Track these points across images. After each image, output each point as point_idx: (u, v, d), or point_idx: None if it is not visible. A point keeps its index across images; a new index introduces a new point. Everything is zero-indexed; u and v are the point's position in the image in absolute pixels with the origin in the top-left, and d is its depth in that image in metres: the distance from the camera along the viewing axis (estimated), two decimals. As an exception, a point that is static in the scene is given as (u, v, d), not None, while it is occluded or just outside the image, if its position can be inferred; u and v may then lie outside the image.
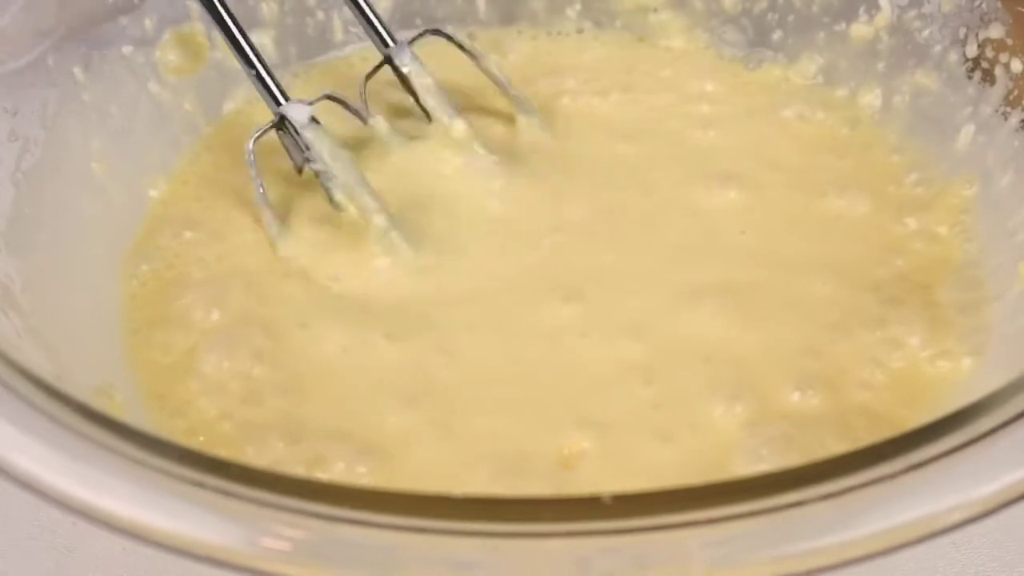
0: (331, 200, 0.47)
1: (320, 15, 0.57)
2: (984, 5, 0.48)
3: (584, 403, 0.40)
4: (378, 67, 0.52)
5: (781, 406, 0.40)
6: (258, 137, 0.47)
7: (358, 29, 0.57)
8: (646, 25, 0.59)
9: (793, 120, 0.53)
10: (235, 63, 0.54)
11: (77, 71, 0.48)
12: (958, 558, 0.44)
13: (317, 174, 0.48)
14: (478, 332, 0.43)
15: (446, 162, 0.50)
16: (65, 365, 0.37)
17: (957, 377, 0.41)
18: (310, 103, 0.48)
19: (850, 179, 0.50)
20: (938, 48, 0.50)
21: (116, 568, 0.44)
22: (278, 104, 0.48)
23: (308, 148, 0.47)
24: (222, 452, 0.38)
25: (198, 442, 0.39)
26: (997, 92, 0.47)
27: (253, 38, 0.54)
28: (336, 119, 0.50)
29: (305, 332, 0.43)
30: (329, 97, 0.49)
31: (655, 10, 0.59)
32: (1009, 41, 0.47)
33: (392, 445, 0.39)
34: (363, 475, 0.38)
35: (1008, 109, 0.47)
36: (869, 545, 0.26)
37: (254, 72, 0.48)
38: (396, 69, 0.52)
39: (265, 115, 0.48)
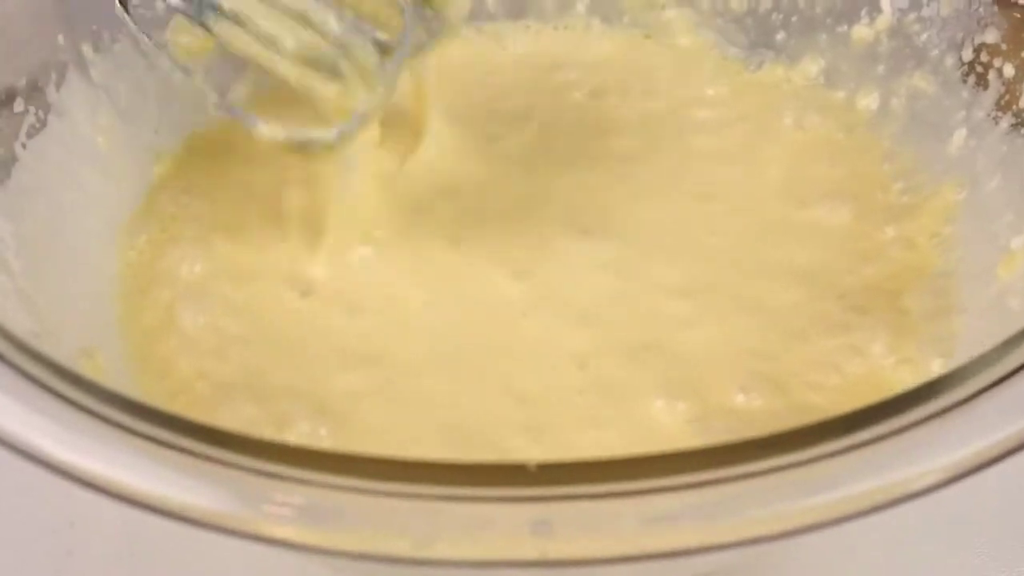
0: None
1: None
2: (981, 10, 0.48)
3: (521, 381, 0.40)
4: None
5: (724, 404, 0.40)
6: None
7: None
8: (653, 22, 0.60)
9: (789, 128, 0.53)
10: (245, 46, 0.55)
11: (86, 49, 0.49)
12: (955, 559, 0.45)
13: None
14: (431, 306, 0.43)
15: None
16: (49, 326, 0.37)
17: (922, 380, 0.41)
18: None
19: (838, 188, 0.50)
20: (935, 52, 0.51)
21: (115, 570, 0.45)
22: None
23: None
24: (200, 413, 0.39)
25: (179, 404, 0.40)
26: (990, 96, 0.48)
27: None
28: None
29: (268, 284, 0.44)
30: None
31: (663, 7, 0.59)
32: (1003, 46, 0.48)
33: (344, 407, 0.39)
34: (324, 437, 0.39)
35: (999, 113, 0.47)
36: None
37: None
38: None
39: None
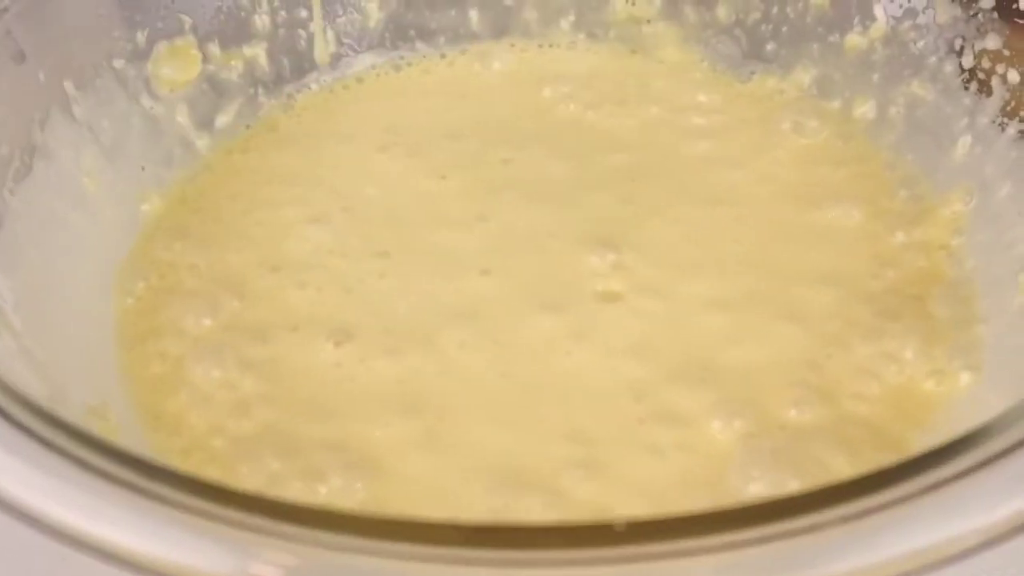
0: None
1: (313, 27, 0.57)
2: (980, 16, 0.48)
3: (575, 418, 0.40)
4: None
5: (778, 419, 0.40)
6: None
7: (351, 40, 0.58)
8: (639, 37, 0.59)
9: (788, 132, 0.53)
10: (228, 75, 0.54)
11: (68, 85, 0.47)
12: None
13: None
14: (470, 345, 0.43)
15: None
16: (58, 385, 0.36)
17: (954, 394, 0.41)
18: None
19: (846, 190, 0.50)
20: (933, 59, 0.50)
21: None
22: None
23: None
24: (216, 471, 0.38)
25: (194, 461, 0.39)
26: (994, 103, 0.47)
27: (245, 51, 0.54)
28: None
29: (295, 337, 0.43)
30: None
31: (648, 21, 0.59)
32: (1006, 52, 0.47)
33: (385, 457, 0.38)
34: (359, 490, 0.37)
35: (1005, 120, 0.47)
36: (884, 570, 0.26)
37: None
38: None
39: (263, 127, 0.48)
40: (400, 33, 0.58)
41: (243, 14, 0.54)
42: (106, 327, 0.44)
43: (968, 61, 0.49)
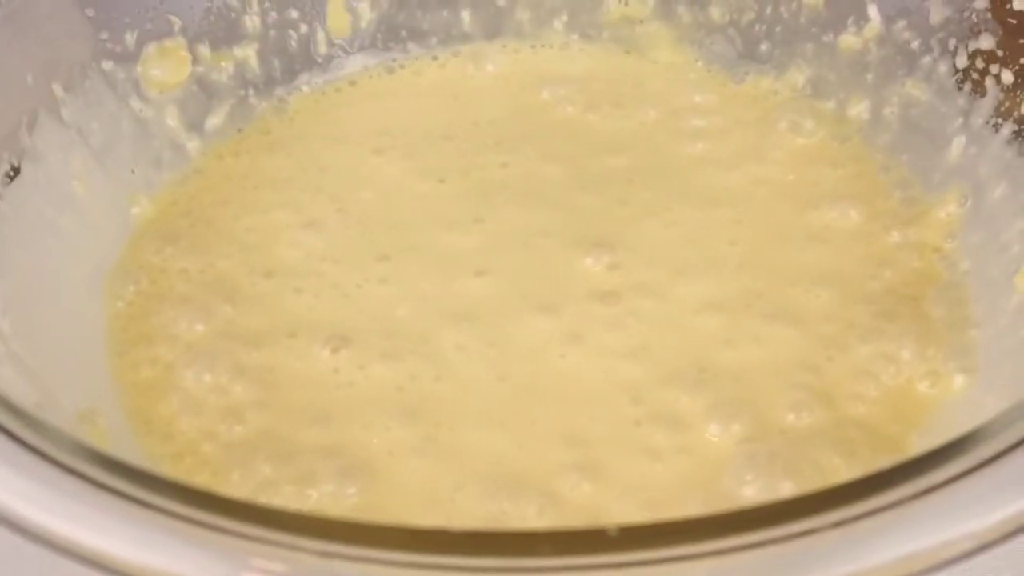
0: None
1: (304, 28, 0.56)
2: (974, 16, 0.48)
3: (571, 421, 0.39)
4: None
5: (776, 423, 0.40)
6: None
7: (343, 41, 0.57)
8: (633, 38, 0.59)
9: (784, 133, 0.53)
10: (218, 77, 0.53)
11: (56, 87, 0.47)
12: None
13: None
14: (467, 348, 0.42)
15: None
16: (48, 390, 0.36)
17: (949, 396, 0.41)
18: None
19: (843, 190, 0.50)
20: (927, 59, 0.50)
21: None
22: None
23: None
24: (207, 476, 0.38)
25: (185, 467, 0.38)
26: (988, 103, 0.47)
27: (235, 52, 0.54)
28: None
29: (291, 343, 0.43)
30: None
31: (641, 21, 0.58)
32: (1000, 52, 0.47)
33: (380, 463, 0.38)
34: (351, 496, 0.37)
35: (999, 120, 0.47)
36: (880, 574, 0.26)
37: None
38: None
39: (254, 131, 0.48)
40: (392, 34, 0.58)
41: (233, 15, 0.54)
42: (96, 332, 0.43)
43: (962, 61, 0.49)
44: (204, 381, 0.41)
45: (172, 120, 0.52)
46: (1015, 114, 0.46)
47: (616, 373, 0.41)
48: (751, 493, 0.37)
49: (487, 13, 0.59)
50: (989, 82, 0.47)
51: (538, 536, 0.26)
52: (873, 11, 0.53)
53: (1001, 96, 0.47)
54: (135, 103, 0.51)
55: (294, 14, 0.56)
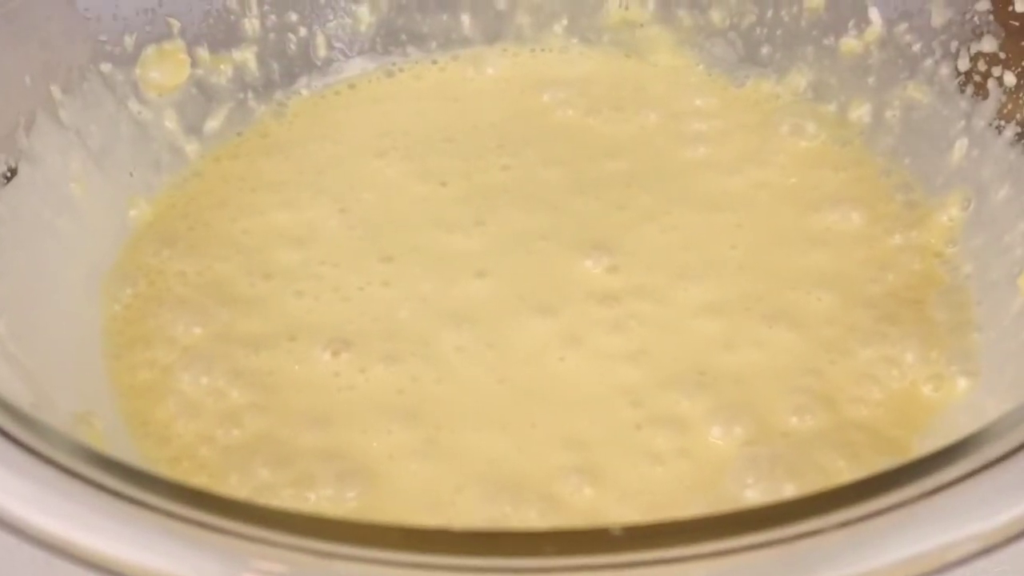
0: None
1: (303, 31, 0.56)
2: (976, 19, 0.48)
3: (571, 424, 0.39)
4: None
5: (779, 426, 0.39)
6: None
7: (342, 44, 0.57)
8: (633, 41, 0.58)
9: (785, 136, 0.53)
10: (217, 80, 0.53)
11: (54, 89, 0.46)
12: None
13: None
14: (467, 350, 0.42)
15: None
16: (44, 392, 0.35)
17: (952, 399, 0.41)
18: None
19: (844, 193, 0.49)
20: (929, 62, 0.50)
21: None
22: None
23: None
24: (204, 480, 0.37)
25: (182, 470, 0.38)
26: (990, 106, 0.47)
27: (235, 55, 0.53)
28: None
29: (291, 346, 0.43)
30: None
31: (641, 25, 0.58)
32: (1002, 55, 0.47)
33: (381, 466, 0.38)
34: (351, 499, 0.37)
35: (1002, 123, 0.46)
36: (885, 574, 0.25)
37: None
38: None
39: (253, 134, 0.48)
40: (391, 38, 0.58)
41: (232, 18, 0.54)
42: (93, 334, 0.43)
43: (964, 64, 0.48)
44: (201, 384, 0.41)
45: (171, 123, 0.52)
46: (1018, 116, 0.46)
47: (616, 376, 0.41)
48: (753, 496, 0.37)
49: (487, 17, 0.59)
50: (991, 84, 0.47)
51: (541, 536, 0.26)
52: (874, 14, 0.53)
53: (1004, 98, 0.47)
54: (134, 105, 0.50)
55: (293, 17, 0.56)
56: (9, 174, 0.43)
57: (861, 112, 0.53)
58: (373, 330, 0.43)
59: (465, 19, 0.59)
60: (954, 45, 0.49)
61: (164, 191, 0.50)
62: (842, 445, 0.39)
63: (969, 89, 0.48)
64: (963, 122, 0.48)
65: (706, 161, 0.52)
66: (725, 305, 0.44)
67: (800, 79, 0.55)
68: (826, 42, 0.54)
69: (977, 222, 0.46)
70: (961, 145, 0.48)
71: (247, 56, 0.54)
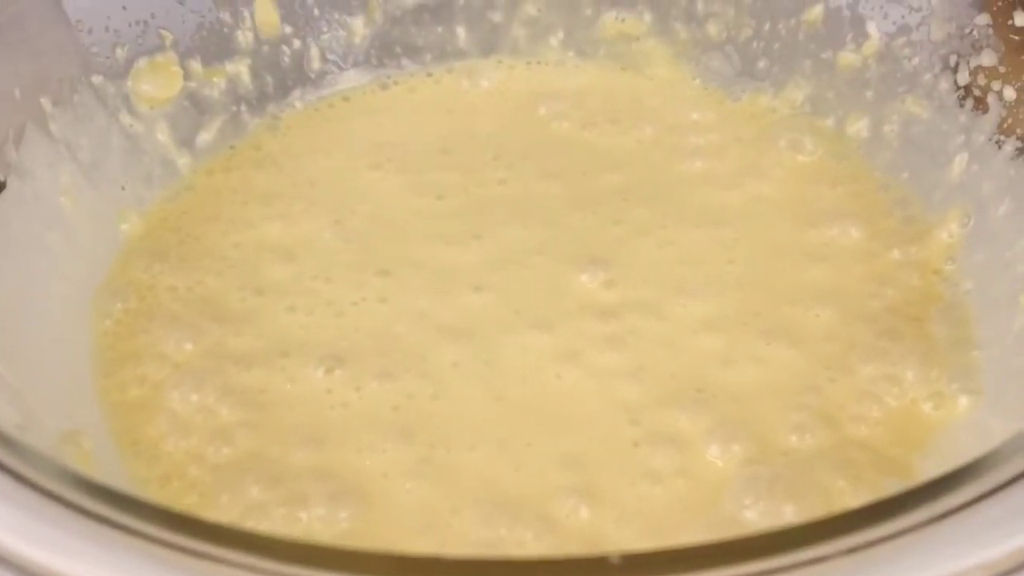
0: None
1: (297, 43, 0.56)
2: (975, 32, 0.48)
3: (568, 443, 0.39)
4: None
5: (778, 444, 0.39)
6: None
7: (336, 57, 0.57)
8: (629, 54, 0.58)
9: (782, 151, 0.53)
10: (210, 92, 0.53)
11: (45, 101, 0.46)
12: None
13: None
14: (463, 366, 0.42)
15: None
16: (31, 411, 0.35)
17: (953, 417, 0.40)
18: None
19: (843, 208, 0.49)
20: (928, 76, 0.50)
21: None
22: None
23: None
24: (194, 499, 0.37)
25: (172, 489, 0.37)
26: (990, 120, 0.47)
27: (227, 68, 0.53)
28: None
29: (283, 363, 0.42)
30: None
31: (637, 38, 0.58)
32: (1002, 68, 0.47)
33: (374, 486, 0.37)
34: (342, 520, 0.36)
35: (1002, 137, 0.46)
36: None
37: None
38: None
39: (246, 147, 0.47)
40: (386, 50, 0.58)
41: (225, 30, 0.53)
42: (82, 351, 0.43)
43: (963, 78, 0.48)
44: (192, 401, 0.40)
45: (163, 136, 0.51)
46: (1018, 131, 0.46)
47: (613, 393, 0.41)
48: (753, 517, 0.36)
49: (482, 30, 0.58)
50: (991, 99, 0.47)
51: (537, 565, 0.25)
52: (872, 28, 0.52)
53: (1004, 113, 0.46)
54: (125, 118, 0.50)
55: (287, 29, 0.55)
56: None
57: (859, 126, 0.52)
58: (367, 346, 0.43)
59: (460, 31, 0.58)
60: (953, 59, 0.49)
61: (156, 205, 0.50)
62: (842, 464, 0.38)
63: (969, 103, 0.48)
64: (962, 137, 0.48)
65: (703, 175, 0.51)
66: (723, 321, 0.44)
67: (798, 93, 0.55)
68: (824, 56, 0.54)
69: (977, 238, 0.46)
70: (961, 160, 0.47)
71: (240, 68, 0.54)
